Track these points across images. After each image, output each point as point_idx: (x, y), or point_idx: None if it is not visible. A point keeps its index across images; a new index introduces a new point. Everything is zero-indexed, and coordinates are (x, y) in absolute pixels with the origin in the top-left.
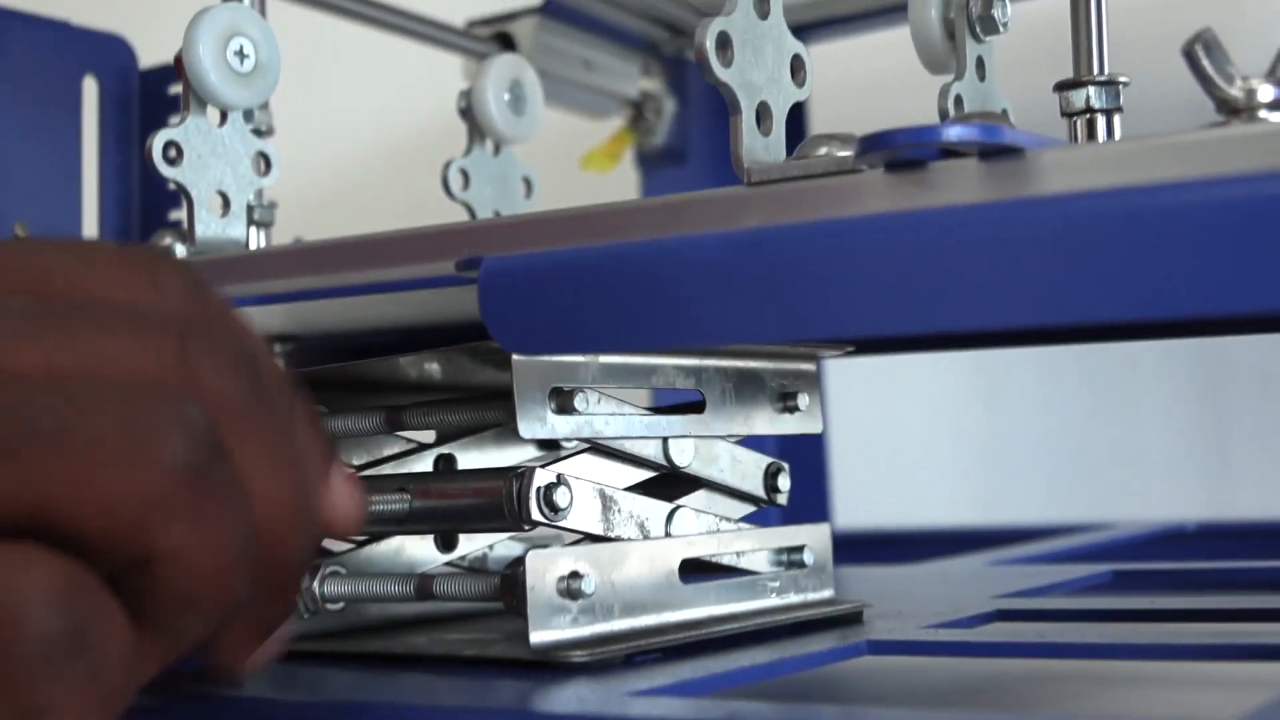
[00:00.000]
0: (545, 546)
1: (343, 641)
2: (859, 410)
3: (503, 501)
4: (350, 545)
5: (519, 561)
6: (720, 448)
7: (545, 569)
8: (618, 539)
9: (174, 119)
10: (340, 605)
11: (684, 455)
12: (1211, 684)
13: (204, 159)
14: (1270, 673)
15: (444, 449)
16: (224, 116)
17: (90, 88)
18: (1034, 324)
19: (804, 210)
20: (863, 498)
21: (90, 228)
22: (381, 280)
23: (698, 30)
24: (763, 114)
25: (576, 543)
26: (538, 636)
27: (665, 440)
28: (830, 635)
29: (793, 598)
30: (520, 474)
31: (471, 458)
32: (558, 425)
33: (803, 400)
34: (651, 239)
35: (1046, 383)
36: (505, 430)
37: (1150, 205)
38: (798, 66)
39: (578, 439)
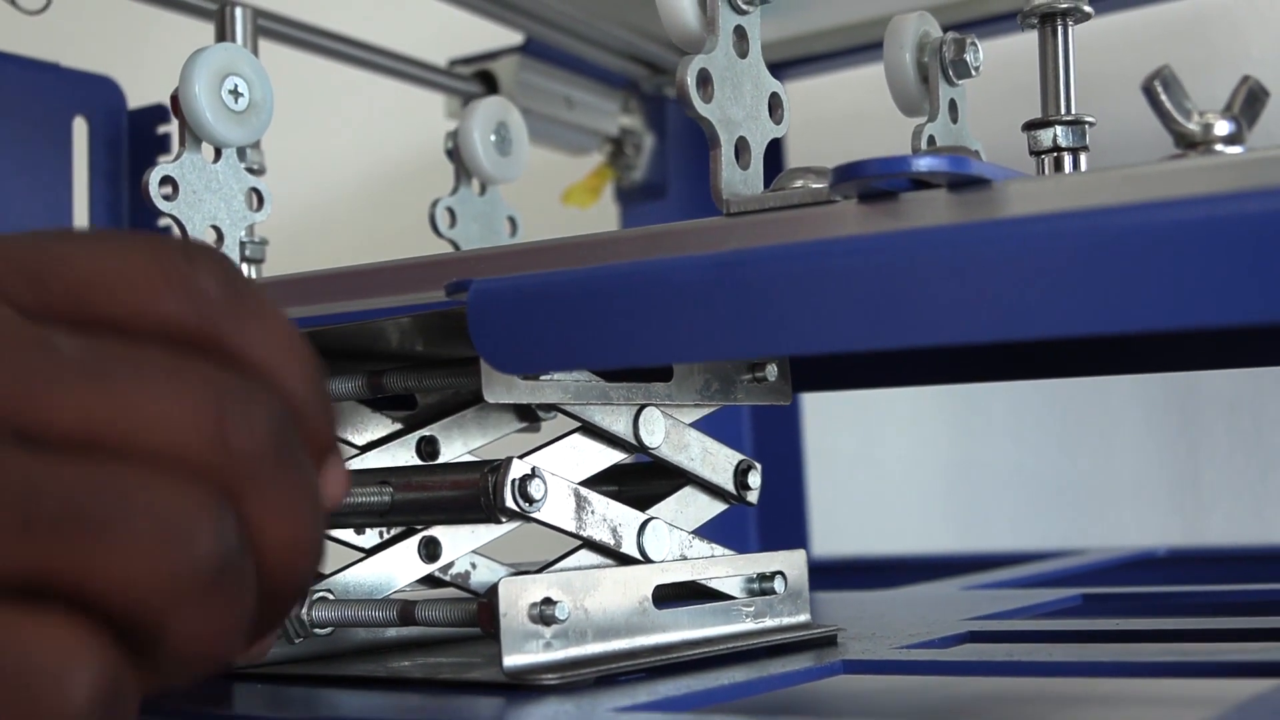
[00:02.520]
0: (524, 573)
1: (329, 665)
2: (835, 440)
3: (479, 493)
4: (337, 567)
5: (492, 588)
6: (691, 436)
7: (518, 596)
8: (588, 540)
9: (163, 159)
10: (328, 630)
11: (654, 435)
12: (1176, 701)
13: (198, 194)
14: (1233, 689)
15: (425, 431)
16: (218, 153)
17: (80, 127)
18: (999, 339)
19: (781, 239)
20: (839, 526)
21: None
22: (377, 308)
23: (679, 66)
24: (741, 148)
25: (547, 567)
26: (511, 660)
27: (636, 417)
28: (806, 656)
29: (768, 622)
30: (496, 466)
31: (453, 438)
32: (523, 390)
33: (771, 371)
34: (634, 261)
35: (1019, 411)
36: (485, 409)
37: (1103, 226)
38: (775, 104)
39: (542, 403)
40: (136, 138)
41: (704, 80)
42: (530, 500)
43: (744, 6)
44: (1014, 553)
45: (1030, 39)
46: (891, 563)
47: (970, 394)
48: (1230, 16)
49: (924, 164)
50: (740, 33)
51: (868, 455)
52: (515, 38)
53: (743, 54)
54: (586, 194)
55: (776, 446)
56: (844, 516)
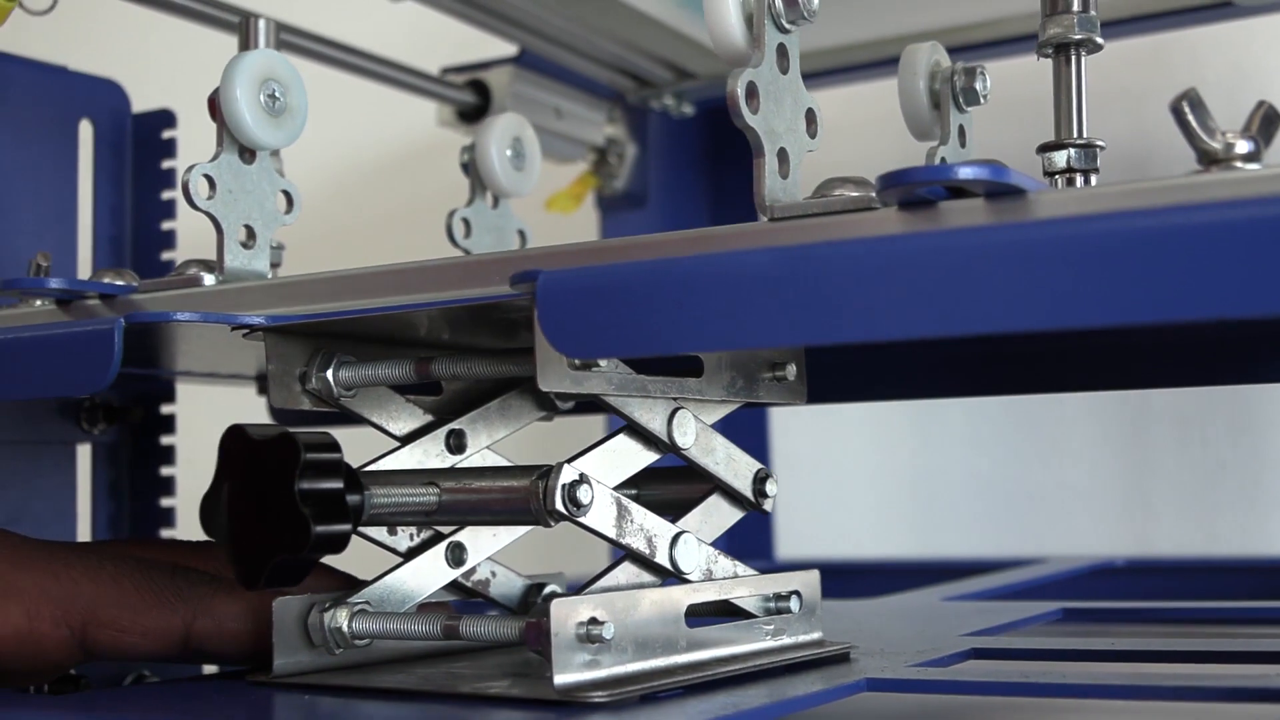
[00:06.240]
0: (543, 584)
1: (359, 675)
2: (799, 446)
3: (529, 496)
4: (372, 577)
5: (540, 609)
6: (718, 441)
7: (568, 615)
8: (627, 548)
9: (165, 162)
10: (367, 641)
11: (685, 436)
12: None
13: (234, 195)
14: (1216, 713)
15: (455, 424)
16: (251, 156)
17: (86, 130)
18: (1041, 328)
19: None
20: (802, 529)
21: (84, 267)
22: (448, 298)
23: (729, 79)
24: (781, 159)
25: (586, 586)
26: (562, 678)
27: (670, 419)
28: (827, 673)
29: (785, 640)
30: (546, 471)
31: (478, 430)
32: (574, 381)
33: (790, 370)
34: (694, 255)
35: (977, 421)
36: (508, 403)
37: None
38: (811, 118)
39: (590, 395)
40: (140, 141)
41: (751, 93)
42: (578, 505)
43: (787, 26)
44: (974, 560)
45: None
46: (855, 567)
47: (931, 403)
48: (1187, 41)
49: (966, 172)
50: (782, 50)
51: (830, 461)
52: (489, 44)
53: (784, 70)
54: (570, 201)
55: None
56: (806, 520)
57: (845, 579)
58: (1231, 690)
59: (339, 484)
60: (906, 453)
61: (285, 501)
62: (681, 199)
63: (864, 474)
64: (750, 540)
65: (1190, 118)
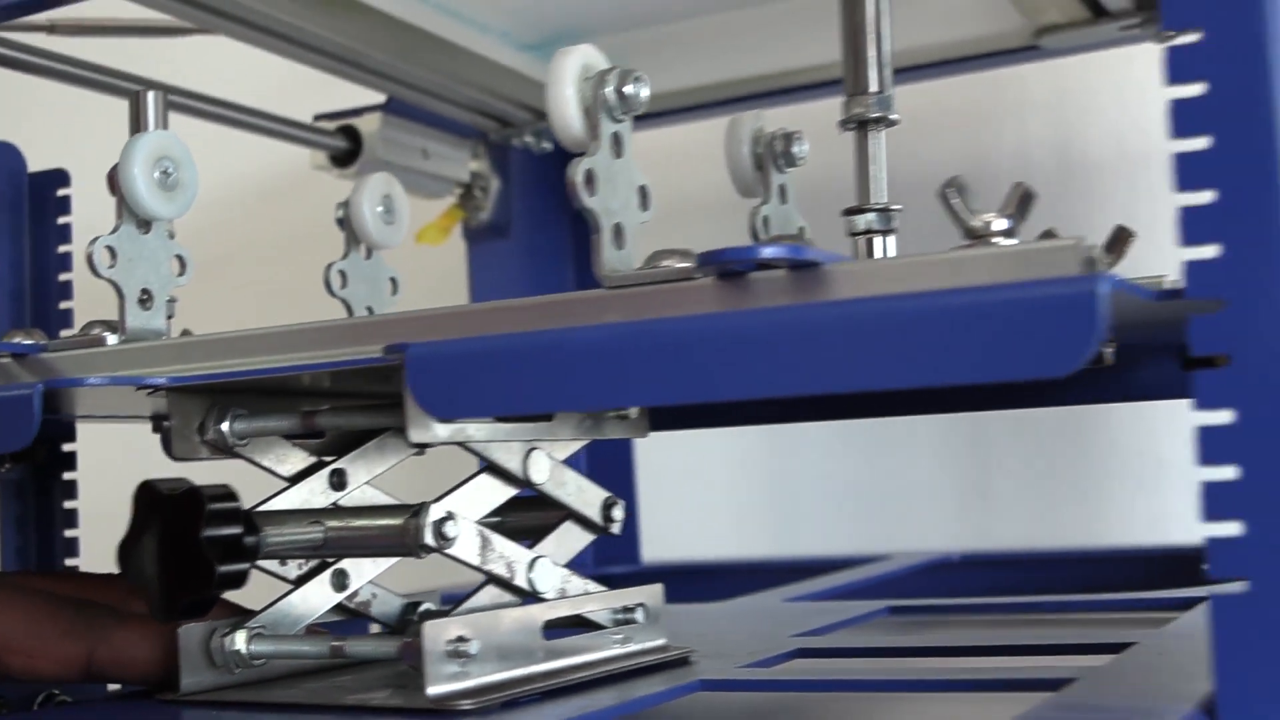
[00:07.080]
0: (419, 602)
1: (259, 691)
2: (659, 452)
3: (403, 533)
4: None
5: (415, 629)
6: (569, 475)
7: (439, 634)
8: (489, 574)
9: (61, 218)
10: (263, 661)
11: (540, 473)
12: (972, 702)
13: (133, 262)
14: (1026, 703)
15: (337, 464)
16: (147, 226)
17: None
18: (817, 392)
19: (653, 308)
20: (664, 533)
21: None
22: (322, 360)
23: (569, 167)
24: (617, 233)
25: (455, 607)
26: (434, 689)
27: (525, 458)
28: (668, 676)
29: (633, 646)
30: (417, 510)
31: (358, 468)
32: (440, 432)
33: (633, 411)
34: (543, 330)
35: (827, 425)
36: (384, 442)
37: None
38: (644, 194)
39: (455, 442)
40: (36, 199)
41: (589, 179)
42: (445, 539)
43: (620, 117)
44: (825, 558)
45: None
46: (714, 568)
47: None
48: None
49: (770, 251)
50: (616, 138)
51: (691, 466)
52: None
53: (618, 154)
54: (438, 233)
55: (609, 459)
56: (669, 524)
57: (705, 580)
58: (1040, 681)
59: (239, 529)
60: (762, 456)
61: (192, 547)
62: (542, 228)
63: (723, 478)
64: (617, 543)
65: (955, 202)
